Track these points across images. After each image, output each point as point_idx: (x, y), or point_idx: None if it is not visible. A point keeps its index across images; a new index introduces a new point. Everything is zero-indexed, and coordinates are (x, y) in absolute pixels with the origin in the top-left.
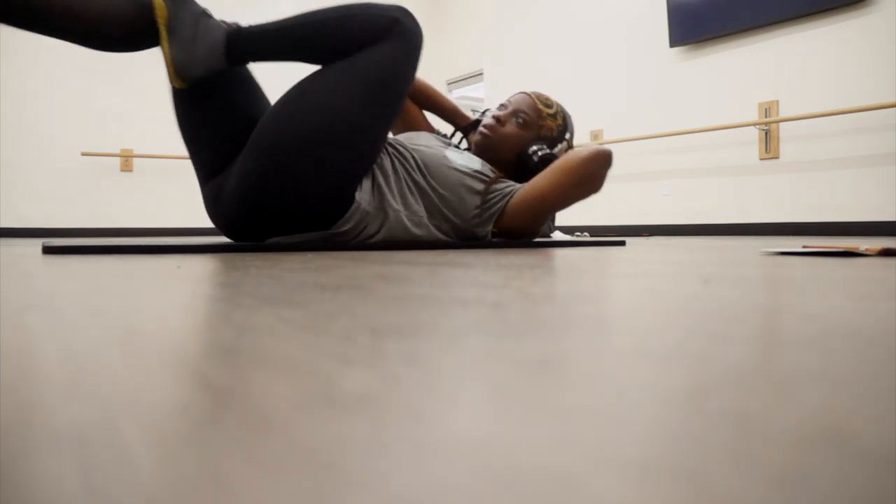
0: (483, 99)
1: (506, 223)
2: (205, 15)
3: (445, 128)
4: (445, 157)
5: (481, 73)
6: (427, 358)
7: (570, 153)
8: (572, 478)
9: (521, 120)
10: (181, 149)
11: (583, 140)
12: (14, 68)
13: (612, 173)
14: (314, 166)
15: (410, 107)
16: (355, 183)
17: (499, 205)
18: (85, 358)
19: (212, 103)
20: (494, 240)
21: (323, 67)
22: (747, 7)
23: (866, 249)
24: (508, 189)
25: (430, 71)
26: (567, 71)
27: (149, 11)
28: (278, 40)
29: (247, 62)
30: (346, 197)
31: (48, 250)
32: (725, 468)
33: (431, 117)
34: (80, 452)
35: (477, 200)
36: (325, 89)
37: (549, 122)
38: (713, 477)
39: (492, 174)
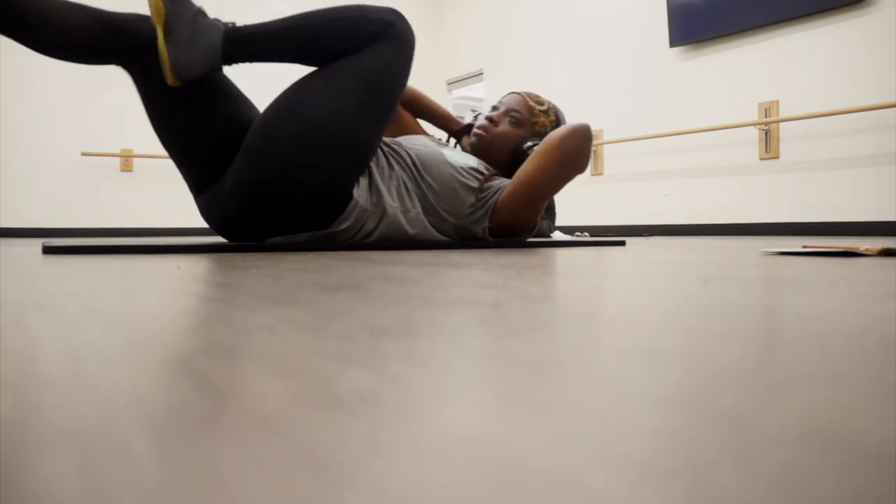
0: (483, 99)
1: (500, 217)
2: (201, 14)
3: (439, 134)
4: (442, 154)
5: (481, 73)
6: (427, 358)
7: (550, 134)
8: (572, 478)
9: (514, 118)
10: None
11: None
12: (14, 68)
13: (613, 173)
14: (311, 168)
15: (403, 114)
16: (352, 182)
17: (492, 200)
18: (85, 358)
19: (200, 114)
20: (493, 240)
21: (316, 71)
22: (747, 7)
23: (866, 249)
24: (500, 184)
25: (431, 71)
26: (567, 71)
27: (124, 24)
28: (273, 40)
29: (241, 62)
30: (343, 196)
31: (48, 250)
32: (725, 468)
33: (424, 124)
34: (80, 452)
35: (472, 199)
36: (319, 93)
37: (542, 119)
38: (713, 476)
39: (486, 171)
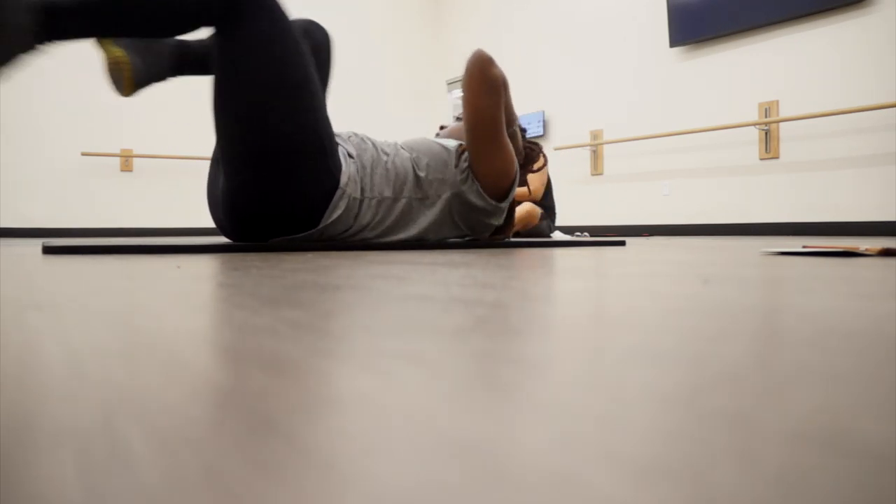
0: None
1: (479, 171)
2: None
3: None
4: (426, 137)
5: None
6: (427, 358)
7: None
8: (572, 478)
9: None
10: (181, 149)
11: (583, 140)
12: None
13: (613, 173)
14: (277, 176)
15: None
16: (323, 171)
17: (468, 161)
18: (85, 358)
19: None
20: (501, 238)
21: (218, 79)
22: (747, 7)
23: (866, 249)
24: None
25: (431, 71)
26: (567, 71)
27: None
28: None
29: (62, 38)
30: (325, 188)
31: (48, 250)
32: (725, 468)
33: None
34: (80, 452)
35: (456, 162)
36: (239, 100)
37: None
38: (712, 476)
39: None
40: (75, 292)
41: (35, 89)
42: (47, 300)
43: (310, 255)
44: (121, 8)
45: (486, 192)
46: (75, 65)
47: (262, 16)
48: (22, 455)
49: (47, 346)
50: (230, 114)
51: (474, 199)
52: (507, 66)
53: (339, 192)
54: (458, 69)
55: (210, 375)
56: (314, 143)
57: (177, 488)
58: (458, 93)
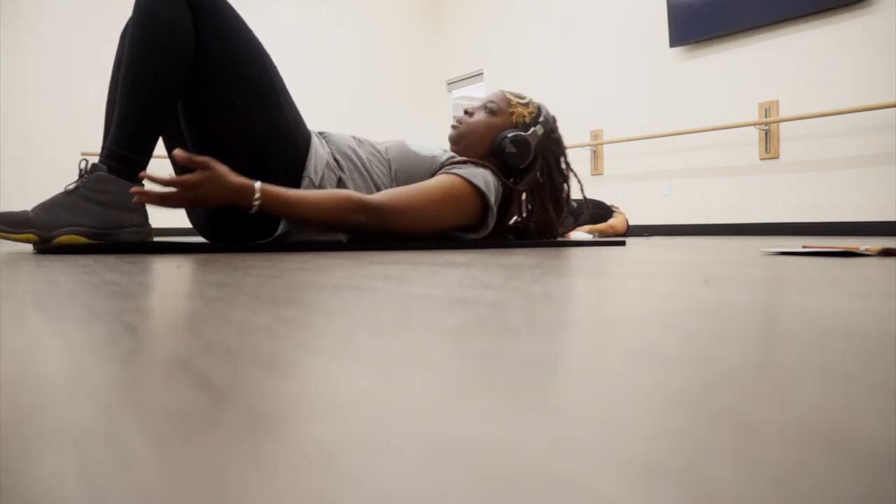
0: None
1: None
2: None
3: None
4: (404, 142)
5: (481, 73)
6: (427, 358)
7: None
8: (572, 478)
9: (489, 108)
10: None
11: (583, 140)
12: (14, 68)
13: (613, 173)
14: (264, 165)
15: None
16: (294, 139)
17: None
18: (85, 358)
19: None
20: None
21: (189, 101)
22: (747, 7)
23: (866, 249)
24: (450, 170)
25: (431, 71)
26: (567, 71)
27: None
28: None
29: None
30: (295, 161)
31: (41, 249)
32: (725, 468)
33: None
34: (80, 452)
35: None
36: (217, 118)
37: (520, 109)
38: (713, 477)
39: (449, 158)
40: (74, 291)
41: (35, 89)
42: (45, 300)
43: (309, 256)
44: (141, 96)
45: None
46: (75, 65)
47: (141, 22)
48: (22, 455)
49: (46, 345)
50: (213, 130)
51: None
52: (508, 65)
53: (306, 184)
54: (458, 69)
55: (210, 375)
56: (290, 138)
57: (177, 489)
58: (459, 92)
